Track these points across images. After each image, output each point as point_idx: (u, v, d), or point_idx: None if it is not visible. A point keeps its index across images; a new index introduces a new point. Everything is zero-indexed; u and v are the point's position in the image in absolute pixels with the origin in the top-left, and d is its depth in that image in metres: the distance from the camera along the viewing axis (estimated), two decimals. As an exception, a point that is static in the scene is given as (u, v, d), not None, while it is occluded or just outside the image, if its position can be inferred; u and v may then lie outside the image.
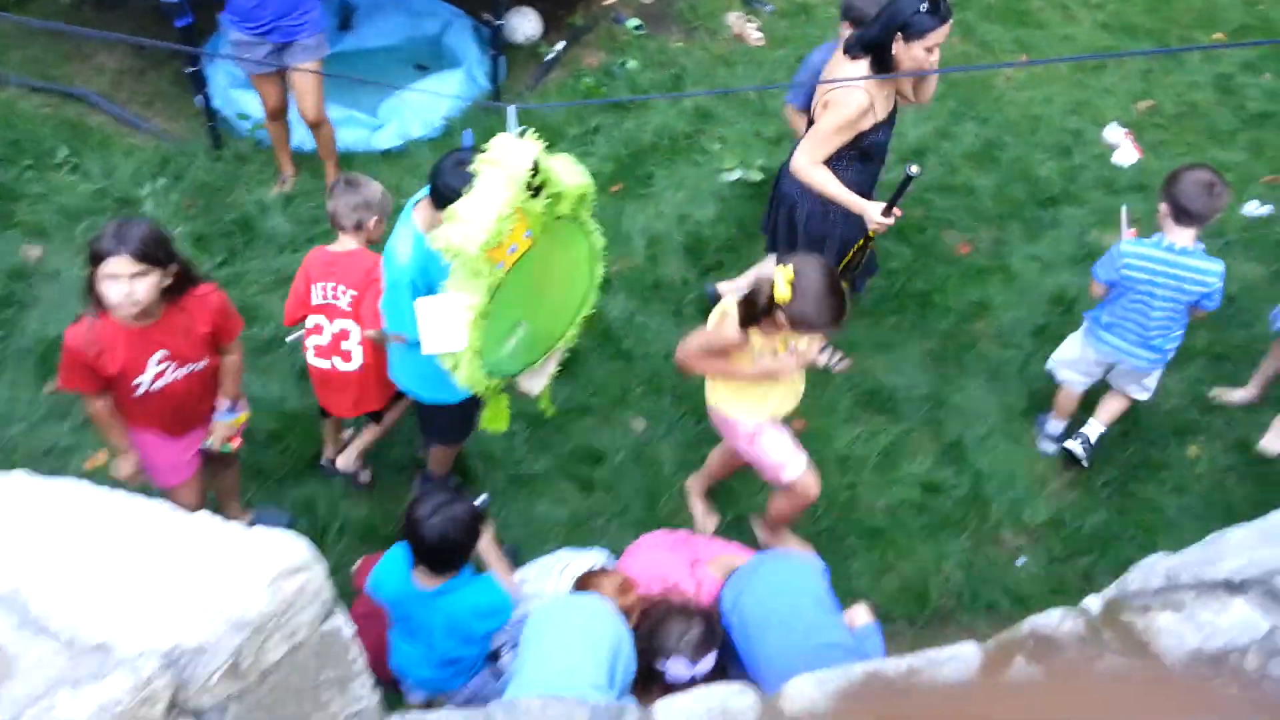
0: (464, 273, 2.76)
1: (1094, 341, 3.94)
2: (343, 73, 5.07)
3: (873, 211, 3.70)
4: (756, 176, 5.24)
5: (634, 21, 6.49)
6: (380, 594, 2.95)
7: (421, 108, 5.61)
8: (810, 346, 3.21)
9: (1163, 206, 3.68)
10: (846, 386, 4.40)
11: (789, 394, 3.36)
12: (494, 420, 3.33)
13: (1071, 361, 4.08)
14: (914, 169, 3.62)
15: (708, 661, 2.86)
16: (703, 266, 4.92)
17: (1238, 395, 4.40)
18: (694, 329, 4.56)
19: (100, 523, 1.77)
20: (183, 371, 3.15)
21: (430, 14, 6.27)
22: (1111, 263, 3.74)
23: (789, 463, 3.39)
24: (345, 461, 3.97)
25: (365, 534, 3.84)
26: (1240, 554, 2.18)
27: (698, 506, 3.91)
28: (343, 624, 1.87)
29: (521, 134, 2.80)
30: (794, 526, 3.76)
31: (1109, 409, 4.12)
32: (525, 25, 6.17)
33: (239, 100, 5.59)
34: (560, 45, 6.22)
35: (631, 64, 6.16)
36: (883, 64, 3.57)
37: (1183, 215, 3.61)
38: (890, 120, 3.78)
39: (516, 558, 3.75)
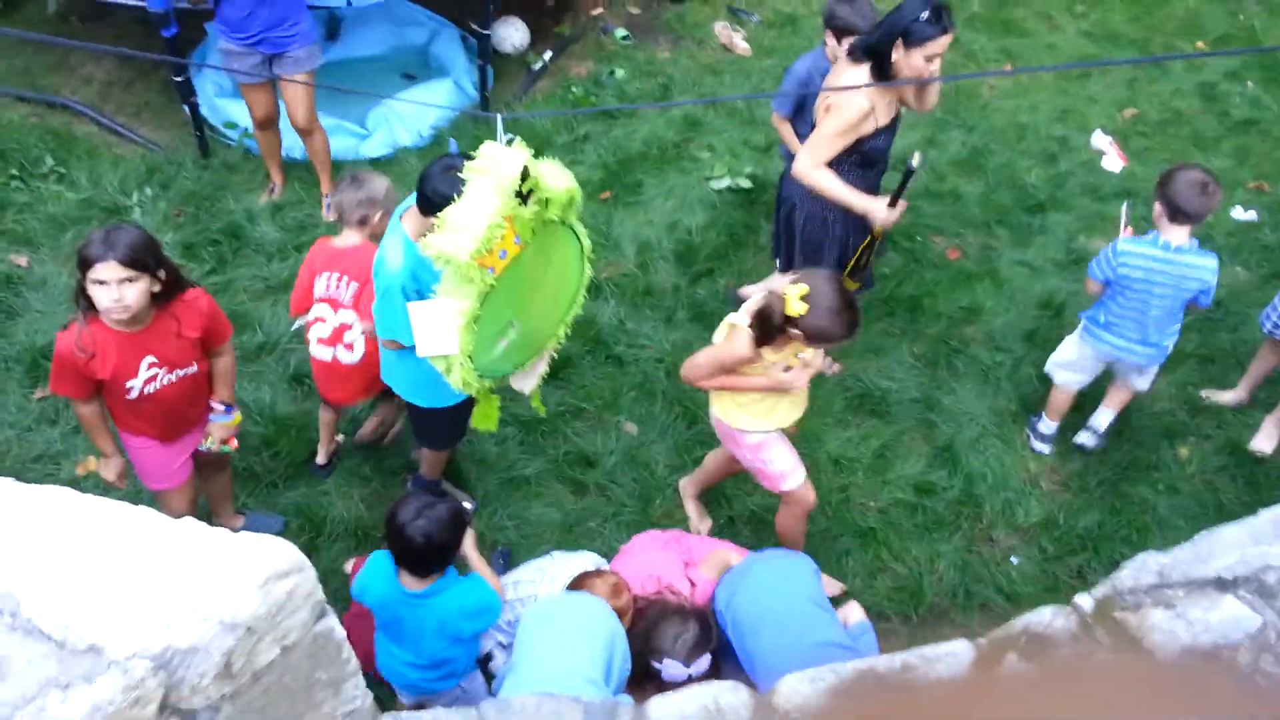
0: (455, 280, 2.77)
1: (1093, 341, 3.97)
2: (330, 84, 5.07)
3: (877, 208, 3.71)
4: (745, 184, 5.26)
5: (621, 31, 6.52)
6: (367, 598, 2.94)
7: (409, 117, 5.62)
8: (816, 357, 3.21)
9: (1157, 206, 3.71)
10: (839, 390, 4.41)
11: (795, 405, 3.35)
12: (483, 420, 3.33)
13: (1070, 362, 4.11)
14: (915, 161, 3.61)
15: (703, 663, 2.86)
16: (693, 273, 4.94)
17: (1227, 397, 4.43)
18: (683, 332, 4.62)
19: (91, 527, 1.77)
20: (173, 377, 3.15)
21: (417, 24, 6.28)
22: (1108, 261, 3.77)
23: (790, 474, 3.40)
24: (364, 432, 4.11)
25: (358, 536, 3.83)
26: (1231, 551, 2.19)
27: (692, 509, 3.92)
28: (335, 625, 1.87)
29: (509, 142, 2.81)
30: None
31: (1116, 398, 4.18)
32: (513, 35, 6.19)
33: (226, 109, 5.59)
34: (548, 55, 6.24)
35: (619, 73, 6.19)
36: (882, 70, 3.58)
37: (1178, 215, 3.65)
38: (892, 127, 3.78)
39: (510, 560, 3.75)
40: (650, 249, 5.05)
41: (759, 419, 3.30)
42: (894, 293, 4.84)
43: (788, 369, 3.13)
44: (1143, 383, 4.12)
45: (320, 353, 3.69)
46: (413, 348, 2.95)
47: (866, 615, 3.33)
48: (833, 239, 3.96)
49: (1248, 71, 6.53)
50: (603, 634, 2.79)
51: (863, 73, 3.62)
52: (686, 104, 5.97)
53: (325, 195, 5.17)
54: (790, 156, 4.46)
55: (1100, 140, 5.91)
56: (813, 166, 3.73)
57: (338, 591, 3.00)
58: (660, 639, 2.85)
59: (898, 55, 3.53)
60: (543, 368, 3.33)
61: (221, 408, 3.36)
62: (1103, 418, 4.21)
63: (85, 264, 2.84)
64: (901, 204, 3.72)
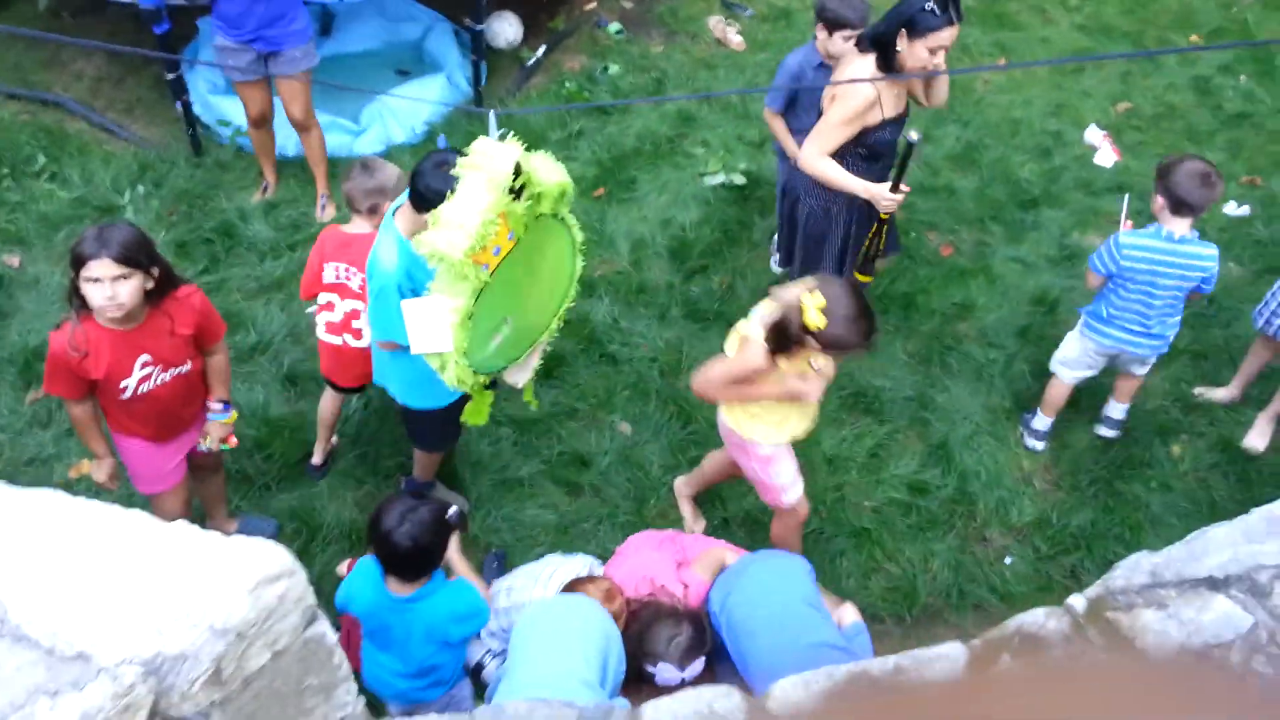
0: (450, 277, 2.76)
1: (1096, 335, 3.98)
2: (324, 79, 5.06)
3: (880, 193, 3.69)
4: (739, 180, 5.25)
5: (615, 26, 6.50)
6: (353, 607, 2.92)
7: (403, 113, 5.60)
8: (828, 364, 3.17)
9: (1159, 199, 3.72)
10: (832, 388, 4.38)
11: (806, 416, 3.31)
12: (474, 414, 3.33)
13: (1074, 359, 4.11)
14: (914, 136, 3.57)
15: (696, 665, 2.86)
16: (687, 270, 4.93)
17: (1220, 394, 4.44)
18: (677, 329, 4.61)
19: (80, 532, 1.76)
20: (168, 375, 3.14)
21: (411, 19, 6.26)
22: (1111, 255, 3.77)
23: (790, 489, 3.39)
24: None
25: (353, 539, 3.82)
26: (1223, 551, 2.19)
27: (687, 509, 3.91)
28: (326, 630, 1.87)
29: (502, 138, 2.80)
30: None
31: (1125, 389, 4.19)
32: (506, 30, 6.16)
33: (219, 106, 5.56)
34: (541, 50, 6.22)
35: (613, 68, 6.17)
36: (887, 60, 3.55)
37: (1182, 207, 3.66)
38: (900, 121, 3.75)
39: (504, 562, 3.74)
40: (644, 246, 5.03)
41: (771, 430, 3.26)
42: (887, 290, 4.83)
43: (802, 377, 3.10)
44: (1143, 371, 4.15)
45: (329, 338, 3.72)
46: (409, 348, 2.95)
47: (861, 616, 3.33)
48: (836, 232, 3.94)
49: (1241, 65, 6.53)
50: (598, 636, 2.78)
51: (869, 63, 3.60)
52: (680, 99, 5.95)
53: (320, 194, 5.15)
54: (782, 151, 4.46)
55: (1094, 135, 5.90)
56: (817, 155, 3.71)
57: (332, 595, 2.99)
58: (654, 642, 2.84)
59: (902, 45, 3.49)
60: (536, 361, 3.33)
61: (219, 406, 3.36)
62: (1117, 410, 4.24)
63: (79, 262, 2.84)
64: (904, 187, 3.70)
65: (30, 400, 4.19)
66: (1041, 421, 4.25)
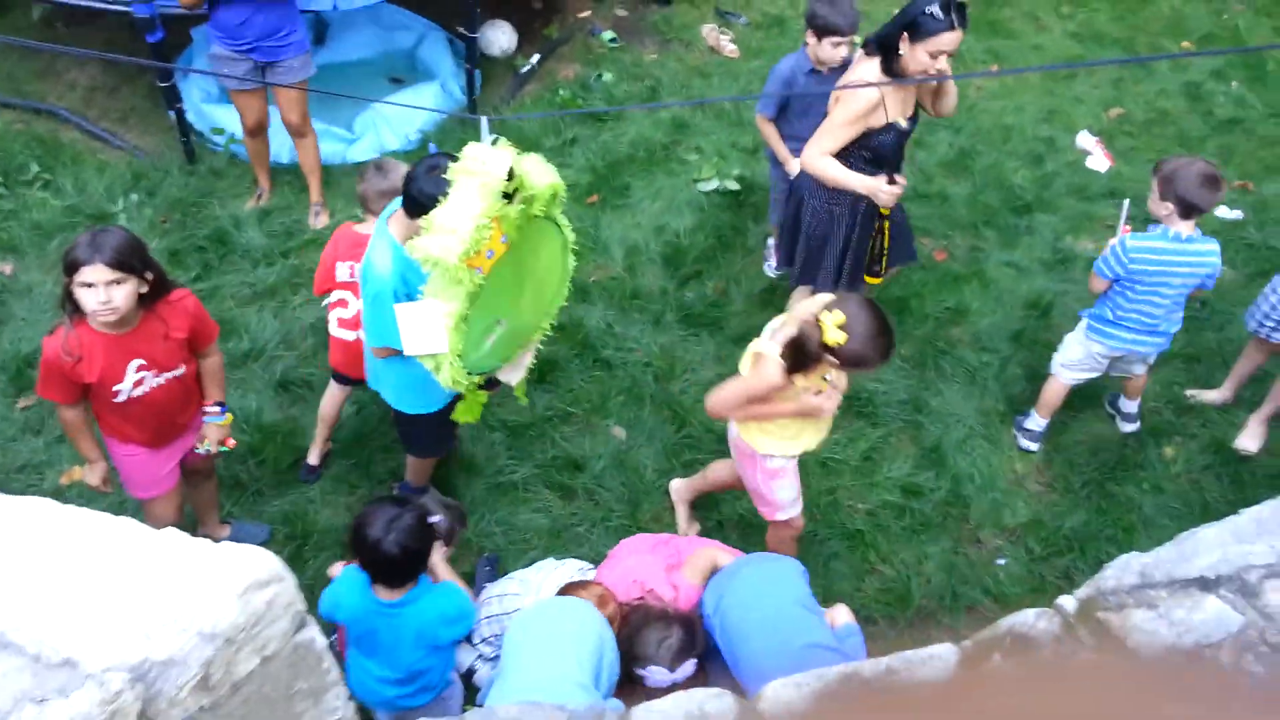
0: (444, 282, 2.77)
1: (1102, 338, 4.00)
2: (318, 87, 5.07)
3: (877, 185, 3.67)
4: (733, 186, 5.26)
5: (609, 34, 6.52)
6: (339, 615, 2.91)
7: (397, 121, 5.61)
8: (841, 379, 3.15)
9: (1166, 204, 3.73)
10: (825, 393, 4.41)
11: (819, 429, 3.29)
12: (466, 413, 3.33)
13: (1078, 361, 4.12)
14: (903, 123, 3.55)
15: (687, 668, 2.86)
16: (681, 276, 4.93)
17: (1212, 396, 4.45)
18: (671, 335, 4.62)
19: (67, 538, 1.76)
20: (161, 379, 3.14)
21: (405, 27, 6.27)
22: (1118, 259, 3.78)
23: (789, 506, 3.39)
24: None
25: (345, 544, 3.81)
26: (1213, 551, 2.19)
27: (682, 512, 3.90)
28: (316, 635, 1.86)
29: (494, 144, 2.81)
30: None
31: (1133, 387, 4.24)
32: (500, 38, 6.18)
33: (213, 115, 5.57)
34: (535, 58, 6.24)
35: (607, 76, 6.19)
36: (889, 63, 3.55)
37: (1190, 210, 3.70)
38: (907, 128, 3.74)
39: (497, 565, 3.73)
40: (638, 252, 5.04)
41: (784, 443, 3.24)
42: (881, 294, 4.82)
43: (818, 394, 3.08)
44: (1144, 369, 4.18)
45: (342, 333, 3.74)
46: (403, 352, 2.95)
47: (854, 618, 3.32)
48: (838, 234, 3.92)
49: (1232, 71, 6.56)
50: (592, 638, 2.78)
51: (874, 66, 3.59)
52: (674, 105, 5.97)
53: (313, 202, 5.15)
54: (774, 158, 4.47)
55: (1086, 140, 5.92)
56: (818, 154, 3.71)
57: (326, 599, 3.00)
58: (644, 645, 2.84)
59: (904, 48, 3.47)
60: (529, 360, 3.35)
61: (215, 408, 3.36)
62: (1130, 406, 4.31)
63: (72, 267, 2.83)
64: (901, 179, 3.69)
65: (21, 407, 4.19)
66: (1036, 422, 4.26)
